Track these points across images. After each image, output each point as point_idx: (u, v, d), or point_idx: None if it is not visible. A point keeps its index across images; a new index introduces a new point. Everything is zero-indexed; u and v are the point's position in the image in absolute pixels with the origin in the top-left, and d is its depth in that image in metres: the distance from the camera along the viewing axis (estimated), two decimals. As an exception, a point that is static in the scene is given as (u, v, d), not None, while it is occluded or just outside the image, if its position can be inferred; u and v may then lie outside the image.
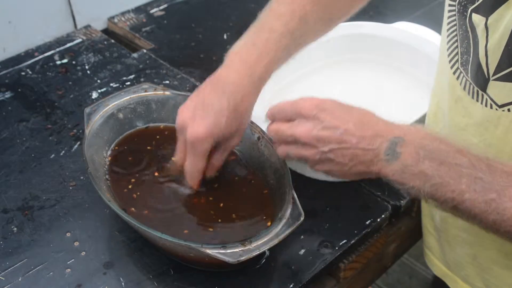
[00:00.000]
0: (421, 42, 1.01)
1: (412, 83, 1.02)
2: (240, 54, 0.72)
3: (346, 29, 1.04)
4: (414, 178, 0.59)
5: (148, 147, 0.82)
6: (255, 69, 0.71)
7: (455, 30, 0.66)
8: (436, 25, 1.03)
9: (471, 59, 0.63)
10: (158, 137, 0.83)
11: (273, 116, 0.69)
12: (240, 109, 0.70)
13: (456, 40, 0.66)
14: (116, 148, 0.81)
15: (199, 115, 0.69)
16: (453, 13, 0.65)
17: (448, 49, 0.68)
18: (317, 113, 0.63)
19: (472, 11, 0.61)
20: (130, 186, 0.77)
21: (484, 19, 0.59)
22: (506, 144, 0.63)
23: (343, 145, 0.61)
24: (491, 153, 0.64)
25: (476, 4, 0.60)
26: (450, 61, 0.68)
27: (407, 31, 1.04)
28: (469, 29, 0.62)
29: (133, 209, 0.74)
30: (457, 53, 0.66)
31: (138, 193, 0.76)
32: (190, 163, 0.72)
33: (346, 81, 1.04)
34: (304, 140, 0.64)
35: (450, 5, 0.66)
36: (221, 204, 0.76)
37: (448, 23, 0.68)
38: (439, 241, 0.82)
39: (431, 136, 0.60)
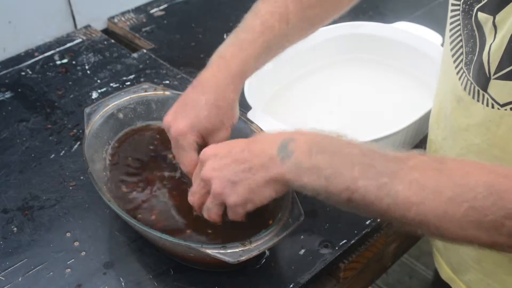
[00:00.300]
0: (421, 42, 1.01)
1: (412, 83, 1.02)
2: (218, 54, 0.75)
3: (346, 29, 1.04)
4: (308, 173, 0.59)
5: (151, 147, 0.82)
6: (230, 64, 0.73)
7: (459, 30, 0.65)
8: (436, 25, 1.03)
9: (475, 58, 0.63)
10: (158, 136, 0.83)
11: (192, 193, 0.69)
12: (220, 103, 0.72)
13: (461, 40, 0.66)
14: (116, 145, 0.81)
15: (180, 114, 0.72)
16: (457, 12, 0.65)
17: (452, 50, 0.68)
18: (212, 152, 0.66)
19: (478, 9, 0.61)
20: (129, 186, 0.77)
21: (491, 17, 0.59)
22: (509, 143, 0.63)
23: (239, 161, 0.63)
24: (494, 153, 0.64)
25: (483, 2, 0.60)
26: (454, 61, 0.67)
27: (407, 31, 1.04)
28: (475, 28, 0.62)
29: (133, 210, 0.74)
30: (461, 53, 0.66)
31: (138, 191, 0.76)
32: (180, 158, 0.73)
33: (346, 81, 1.04)
34: (208, 176, 0.64)
35: (453, 4, 0.66)
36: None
37: (451, 23, 0.67)
38: (443, 242, 0.81)
39: (321, 134, 0.62)
